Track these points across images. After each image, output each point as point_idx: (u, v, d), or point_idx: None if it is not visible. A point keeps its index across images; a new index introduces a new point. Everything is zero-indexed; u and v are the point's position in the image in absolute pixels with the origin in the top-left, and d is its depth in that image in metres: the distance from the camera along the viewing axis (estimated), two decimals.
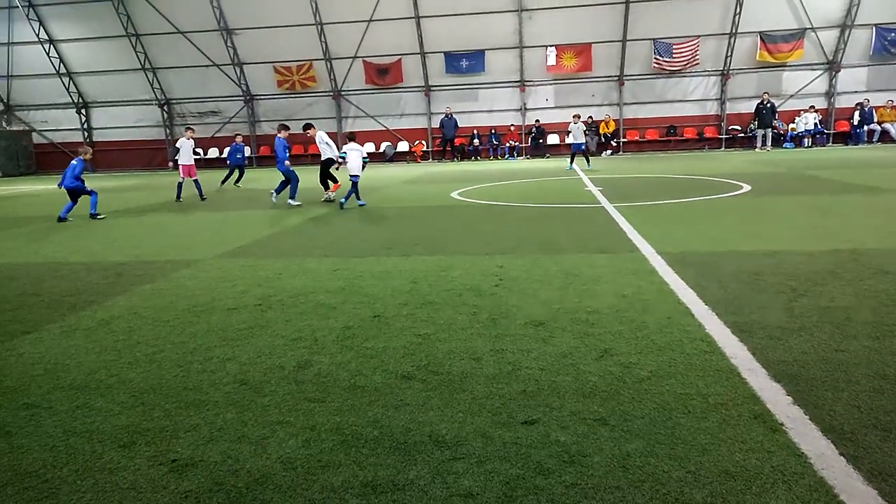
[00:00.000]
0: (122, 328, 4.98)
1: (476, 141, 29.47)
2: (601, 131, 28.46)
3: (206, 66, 30.02)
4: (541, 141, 29.01)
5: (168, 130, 31.85)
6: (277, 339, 4.57)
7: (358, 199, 12.42)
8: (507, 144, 29.20)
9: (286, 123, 14.44)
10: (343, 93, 30.28)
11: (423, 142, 30.30)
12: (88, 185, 12.79)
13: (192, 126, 18.06)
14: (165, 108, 31.56)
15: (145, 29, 29.41)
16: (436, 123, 29.71)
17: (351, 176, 12.15)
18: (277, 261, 7.47)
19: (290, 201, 13.11)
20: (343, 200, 12.41)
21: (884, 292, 5.01)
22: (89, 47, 30.47)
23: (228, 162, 19.40)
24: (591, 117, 28.65)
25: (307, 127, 14.17)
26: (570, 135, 21.06)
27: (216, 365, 4.09)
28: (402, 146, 30.32)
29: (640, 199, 11.51)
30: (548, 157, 28.20)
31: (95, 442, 3.10)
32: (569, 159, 21.47)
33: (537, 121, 29.08)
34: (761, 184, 13.18)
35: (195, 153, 16.25)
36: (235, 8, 28.47)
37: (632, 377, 3.60)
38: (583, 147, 20.87)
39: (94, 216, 12.19)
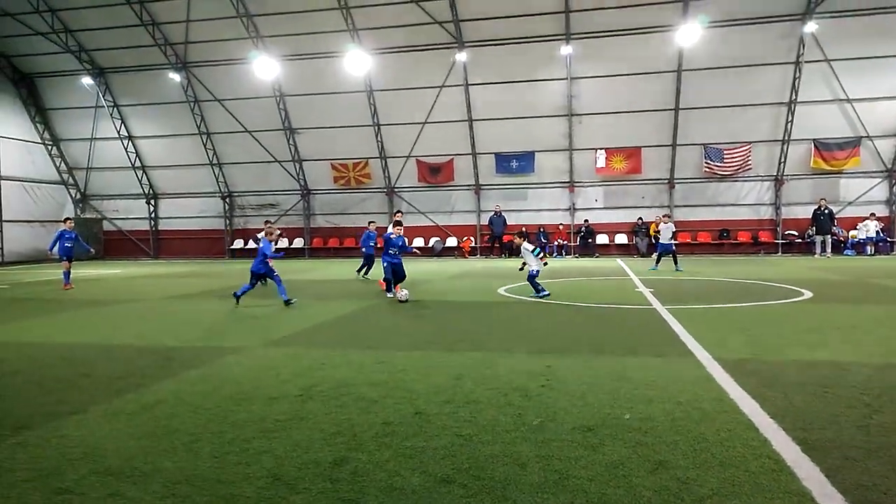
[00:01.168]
0: (165, 413, 4.95)
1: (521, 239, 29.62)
2: (651, 233, 28.29)
3: (269, 161, 31.73)
4: (589, 240, 29.00)
5: (228, 221, 33.32)
6: (316, 432, 4.44)
7: (540, 290, 12.28)
8: (556, 243, 29.28)
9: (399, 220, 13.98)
10: (396, 189, 31.31)
11: (472, 238, 30.70)
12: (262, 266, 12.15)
13: (270, 220, 17.98)
14: (227, 199, 33.20)
15: (216, 128, 31.56)
16: (485, 220, 30.19)
17: (537, 270, 12.39)
18: (322, 350, 7.45)
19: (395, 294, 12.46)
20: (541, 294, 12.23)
21: None
22: (164, 144, 32.78)
23: (363, 250, 18.36)
24: (640, 219, 28.63)
25: (398, 217, 13.95)
26: (661, 234, 19.70)
27: (252, 457, 3.98)
28: (451, 241, 30.77)
29: (694, 302, 11.16)
30: (597, 257, 28.05)
31: None
32: (664, 258, 19.68)
33: (586, 220, 29.21)
34: (824, 291, 12.65)
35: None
36: (299, 110, 30.38)
37: (691, 495, 3.31)
38: (672, 248, 19.45)
39: (287, 302, 11.71)
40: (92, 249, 16.94)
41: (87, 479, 3.68)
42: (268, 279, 12.31)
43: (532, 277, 12.43)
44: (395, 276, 12.60)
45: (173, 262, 30.38)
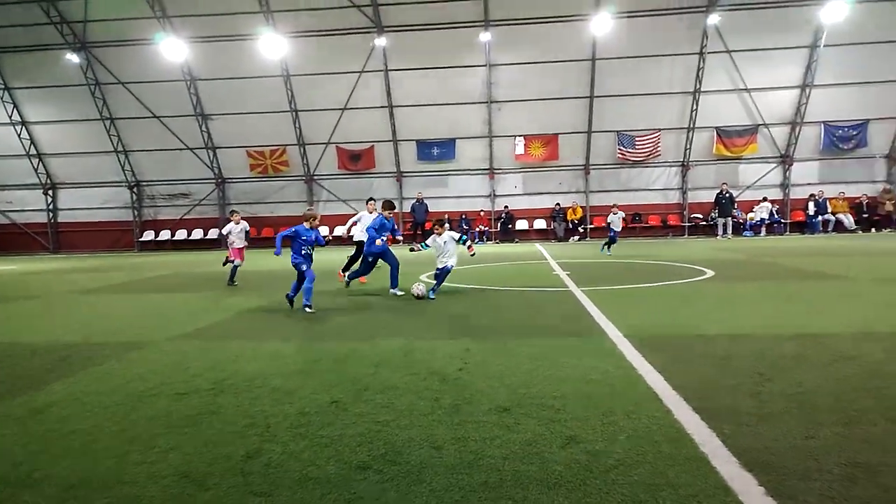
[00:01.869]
0: (58, 416, 4.64)
1: (446, 226, 29.77)
2: (569, 218, 29.14)
3: (180, 149, 30.29)
4: (510, 226, 29.51)
5: (136, 212, 31.64)
6: (227, 426, 4.29)
7: (435, 290, 10.72)
8: (477, 229, 29.60)
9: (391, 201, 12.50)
10: (315, 177, 30.67)
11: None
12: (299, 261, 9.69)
13: (236, 210, 16.34)
14: (135, 189, 31.49)
15: (120, 113, 29.78)
16: (407, 208, 30.09)
17: (452, 266, 10.98)
18: (236, 343, 7.20)
19: (393, 290, 11.16)
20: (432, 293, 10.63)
21: (849, 377, 4.98)
22: (62, 129, 30.61)
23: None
24: (558, 204, 29.38)
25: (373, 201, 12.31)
26: (611, 223, 19.75)
27: (157, 455, 3.80)
28: None
29: (607, 284, 11.57)
30: (517, 242, 28.58)
31: None
32: (606, 245, 19.81)
33: (506, 207, 29.68)
34: (725, 270, 13.42)
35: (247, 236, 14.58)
36: (212, 95, 29.12)
37: (599, 466, 3.43)
38: (615, 235, 19.62)
39: (306, 306, 9.41)
40: None
41: None
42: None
43: (445, 272, 10.87)
44: (370, 267, 12.07)
45: (75, 257, 28.57)
